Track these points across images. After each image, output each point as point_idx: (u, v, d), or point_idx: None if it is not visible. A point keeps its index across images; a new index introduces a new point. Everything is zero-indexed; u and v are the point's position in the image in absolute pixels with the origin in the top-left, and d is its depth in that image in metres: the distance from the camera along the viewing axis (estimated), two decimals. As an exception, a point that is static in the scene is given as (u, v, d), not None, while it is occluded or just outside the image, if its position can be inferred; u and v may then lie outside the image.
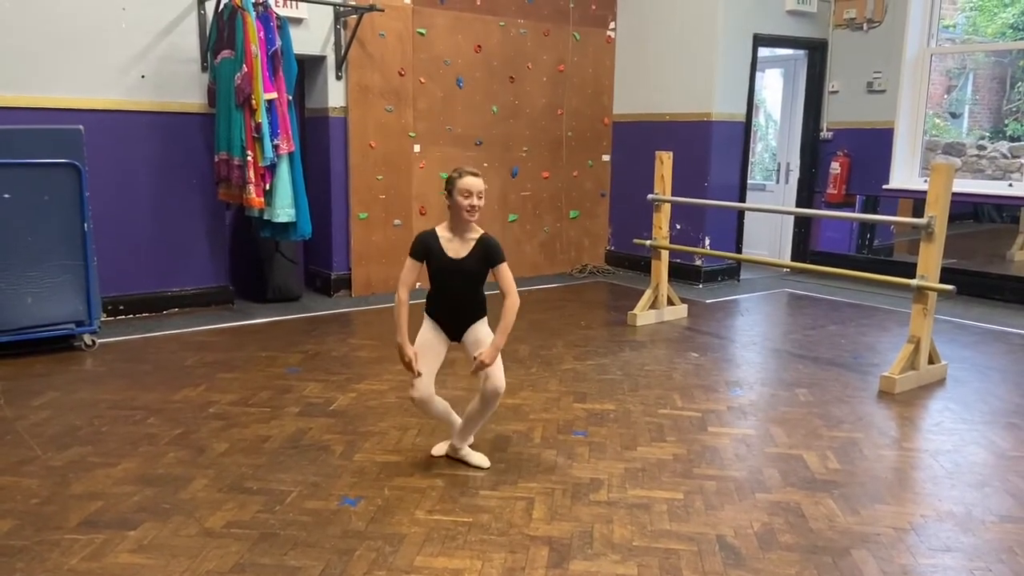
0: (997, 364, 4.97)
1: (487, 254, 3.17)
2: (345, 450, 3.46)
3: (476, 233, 3.17)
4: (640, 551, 2.66)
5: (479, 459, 3.34)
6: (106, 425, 3.71)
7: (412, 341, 3.19)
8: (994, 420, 3.98)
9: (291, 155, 5.61)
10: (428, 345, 3.22)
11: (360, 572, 2.51)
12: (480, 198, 3.12)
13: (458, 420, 3.37)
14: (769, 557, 2.64)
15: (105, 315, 5.48)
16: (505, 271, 3.17)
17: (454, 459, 3.37)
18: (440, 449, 3.44)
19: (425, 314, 3.27)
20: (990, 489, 3.19)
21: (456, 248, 3.16)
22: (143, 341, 5.17)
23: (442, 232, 3.18)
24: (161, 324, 5.58)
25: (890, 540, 2.77)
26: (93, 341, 4.95)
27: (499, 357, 3.14)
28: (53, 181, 4.69)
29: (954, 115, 9.26)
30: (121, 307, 5.69)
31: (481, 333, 3.21)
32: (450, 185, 3.14)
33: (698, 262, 7.42)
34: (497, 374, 3.14)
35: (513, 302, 3.14)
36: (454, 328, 3.23)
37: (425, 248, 3.18)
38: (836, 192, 7.80)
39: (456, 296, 3.21)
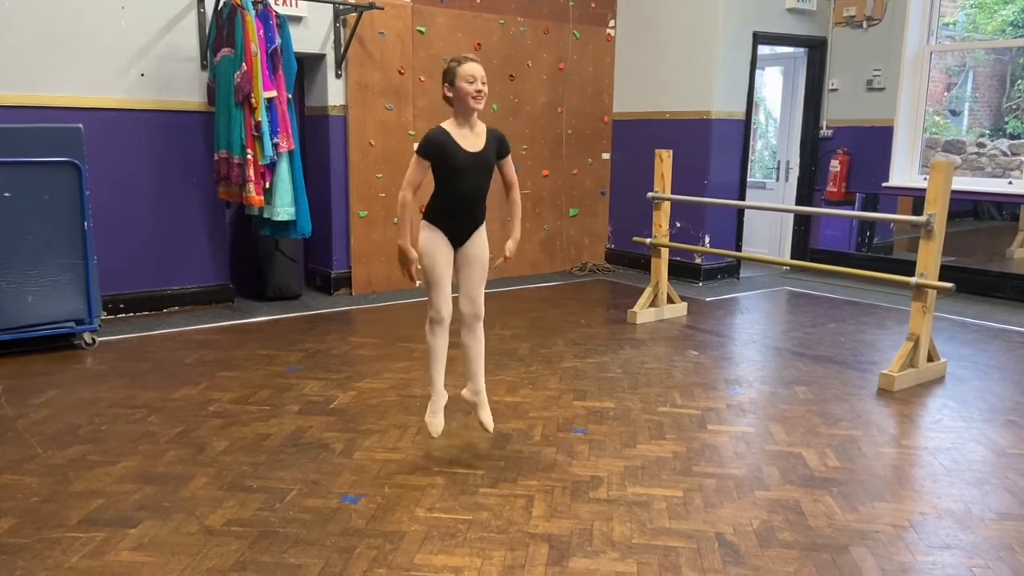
0: (996, 362, 4.97)
1: (500, 144, 3.17)
2: (345, 448, 3.46)
3: (482, 125, 3.13)
4: (640, 549, 2.67)
5: (487, 417, 3.38)
6: (106, 423, 3.71)
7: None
8: (993, 418, 3.98)
9: (291, 153, 5.61)
10: (442, 260, 3.12)
11: (360, 570, 2.52)
12: (484, 83, 3.06)
13: (442, 372, 3.33)
14: (768, 554, 2.65)
15: (105, 313, 5.49)
16: (511, 162, 3.22)
17: (468, 402, 3.43)
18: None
19: (426, 223, 3.14)
20: (989, 487, 3.20)
21: (472, 141, 3.08)
22: (143, 339, 5.17)
23: (450, 128, 3.08)
24: (161, 322, 5.58)
25: (889, 537, 2.77)
26: (93, 339, 4.95)
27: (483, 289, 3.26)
28: (53, 180, 4.69)
29: (954, 113, 9.26)
30: (121, 305, 5.70)
31: (483, 241, 3.22)
32: (450, 75, 3.05)
33: (698, 260, 7.42)
34: (481, 299, 3.24)
35: (518, 192, 3.27)
36: (462, 233, 3.16)
37: (439, 146, 3.03)
38: (836, 190, 7.80)
39: (473, 194, 3.12)
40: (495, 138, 3.16)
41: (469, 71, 3.03)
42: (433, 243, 3.13)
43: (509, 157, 3.23)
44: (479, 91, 3.04)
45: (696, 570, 2.55)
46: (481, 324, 3.31)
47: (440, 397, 3.33)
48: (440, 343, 3.26)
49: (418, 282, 3.12)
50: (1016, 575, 2.55)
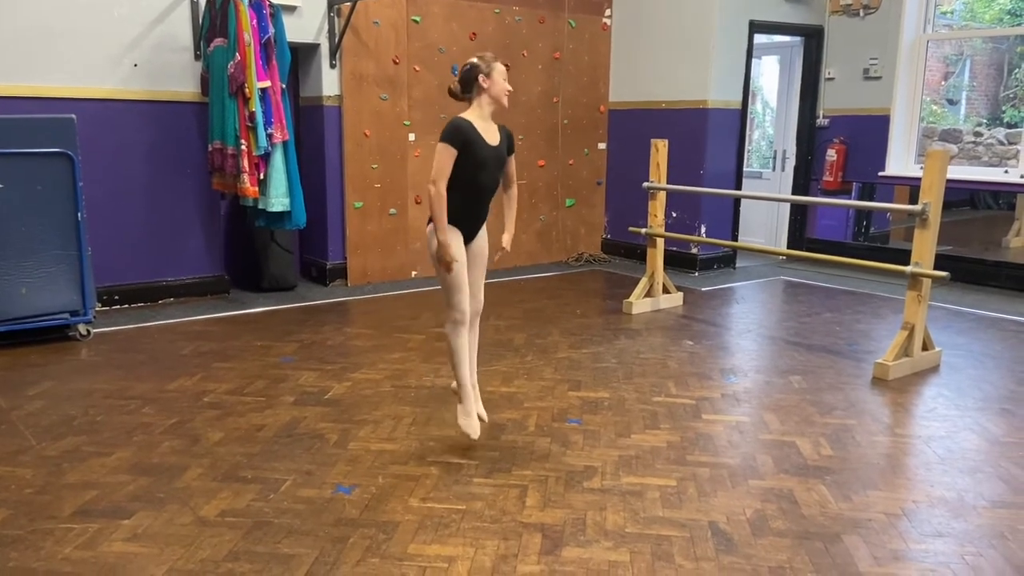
0: (991, 351, 4.98)
1: (510, 141, 3.24)
2: (339, 438, 3.46)
3: (493, 121, 3.18)
4: (633, 537, 2.67)
5: (480, 408, 3.44)
6: (101, 415, 3.71)
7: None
8: (987, 406, 3.99)
9: (285, 144, 5.59)
10: (463, 259, 3.14)
11: (353, 560, 2.52)
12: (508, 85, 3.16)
13: (468, 370, 3.29)
14: (761, 543, 2.65)
15: (100, 305, 5.47)
16: (514, 160, 3.30)
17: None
18: (472, 425, 3.30)
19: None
20: (982, 475, 3.21)
21: (491, 135, 3.12)
22: (138, 331, 5.16)
23: (472, 119, 3.09)
24: (156, 314, 5.57)
25: (881, 525, 2.78)
26: (88, 331, 4.95)
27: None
28: (46, 171, 4.67)
29: (951, 102, 9.25)
30: (116, 297, 5.68)
31: (485, 237, 3.30)
32: (487, 69, 3.08)
33: (694, 250, 7.42)
34: (482, 294, 3.34)
35: (516, 188, 3.36)
36: (473, 230, 3.22)
37: (465, 136, 3.02)
38: (832, 179, 7.79)
39: (490, 188, 3.17)
40: (506, 134, 3.24)
41: (503, 70, 3.13)
42: (455, 246, 3.12)
43: (513, 155, 3.31)
44: (508, 90, 3.15)
45: (689, 559, 2.55)
46: (479, 319, 3.38)
47: (469, 397, 3.30)
48: (465, 342, 3.25)
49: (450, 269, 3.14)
50: (1008, 562, 2.56)
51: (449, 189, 3.08)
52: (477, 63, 3.12)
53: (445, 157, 3.00)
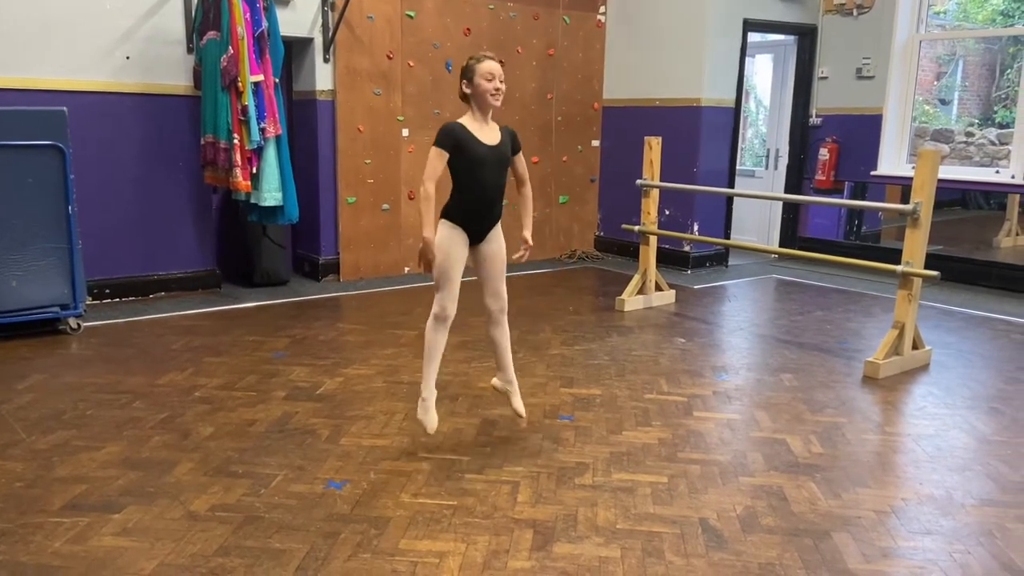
0: (981, 350, 5.01)
1: (514, 140, 3.24)
2: (331, 434, 3.46)
3: (495, 123, 3.18)
4: (623, 534, 2.68)
5: (519, 404, 3.47)
6: (91, 409, 3.69)
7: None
8: (976, 405, 4.01)
9: (278, 138, 5.57)
10: (456, 259, 3.14)
11: (345, 555, 2.52)
12: (502, 81, 3.11)
13: (436, 371, 3.27)
14: (751, 540, 2.66)
15: (91, 299, 5.45)
16: (523, 159, 3.30)
17: (501, 391, 3.52)
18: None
19: (445, 221, 3.17)
20: (971, 473, 3.23)
21: (488, 135, 3.13)
22: (129, 325, 5.14)
23: (466, 123, 3.12)
24: (147, 308, 5.55)
25: (871, 523, 2.80)
26: (78, 324, 4.92)
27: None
28: (37, 163, 4.64)
29: (944, 102, 9.29)
30: (107, 291, 5.66)
31: (500, 237, 3.29)
32: (469, 72, 3.09)
33: (687, 248, 7.43)
34: (504, 292, 3.32)
35: (530, 188, 3.38)
36: (481, 230, 3.21)
37: (455, 138, 3.05)
38: (824, 178, 7.81)
39: (492, 189, 3.17)
40: (509, 134, 3.24)
41: (488, 69, 3.08)
42: (450, 241, 3.15)
43: (521, 154, 3.31)
44: (497, 89, 3.10)
45: (679, 555, 2.56)
46: (506, 316, 3.38)
47: (432, 395, 3.27)
48: (441, 340, 3.24)
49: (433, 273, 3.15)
50: (996, 560, 2.58)
51: (453, 191, 3.17)
52: (464, 68, 3.14)
53: (434, 159, 3.07)
